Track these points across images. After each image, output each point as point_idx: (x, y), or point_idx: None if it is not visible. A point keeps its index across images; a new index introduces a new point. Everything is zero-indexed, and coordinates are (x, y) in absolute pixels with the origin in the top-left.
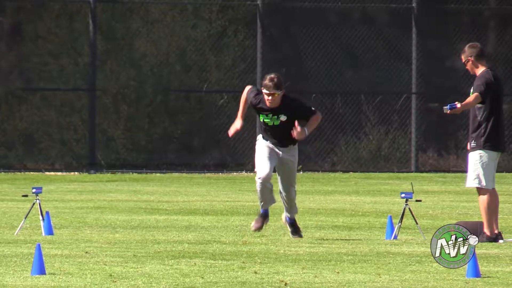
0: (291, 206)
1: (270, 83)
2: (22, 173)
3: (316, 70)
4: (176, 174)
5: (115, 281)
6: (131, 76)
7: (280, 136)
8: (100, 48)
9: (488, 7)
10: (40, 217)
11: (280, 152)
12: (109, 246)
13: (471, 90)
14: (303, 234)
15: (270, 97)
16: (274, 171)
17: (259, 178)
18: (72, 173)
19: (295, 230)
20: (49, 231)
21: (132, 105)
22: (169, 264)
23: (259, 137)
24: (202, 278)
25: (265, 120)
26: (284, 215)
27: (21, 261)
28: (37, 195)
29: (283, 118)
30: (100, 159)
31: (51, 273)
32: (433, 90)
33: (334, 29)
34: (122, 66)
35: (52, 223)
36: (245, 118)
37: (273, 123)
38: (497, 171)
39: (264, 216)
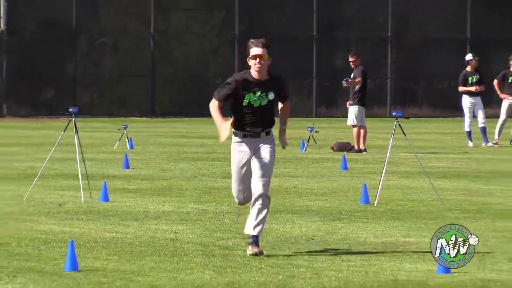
0: (260, 212)
1: (259, 41)
2: (117, 118)
3: None
4: (196, 118)
5: (164, 172)
6: (177, 69)
7: (262, 119)
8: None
9: (360, 35)
10: (127, 140)
11: (253, 150)
12: (161, 153)
13: (352, 75)
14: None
15: (258, 60)
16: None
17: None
18: (143, 117)
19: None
20: (131, 147)
21: (176, 85)
22: (195, 164)
23: (233, 139)
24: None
25: (251, 101)
26: (248, 229)
27: (116, 162)
28: (125, 129)
29: (271, 96)
30: (157, 110)
31: (133, 168)
32: (324, 90)
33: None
34: (173, 66)
35: (133, 143)
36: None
37: (260, 102)
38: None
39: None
